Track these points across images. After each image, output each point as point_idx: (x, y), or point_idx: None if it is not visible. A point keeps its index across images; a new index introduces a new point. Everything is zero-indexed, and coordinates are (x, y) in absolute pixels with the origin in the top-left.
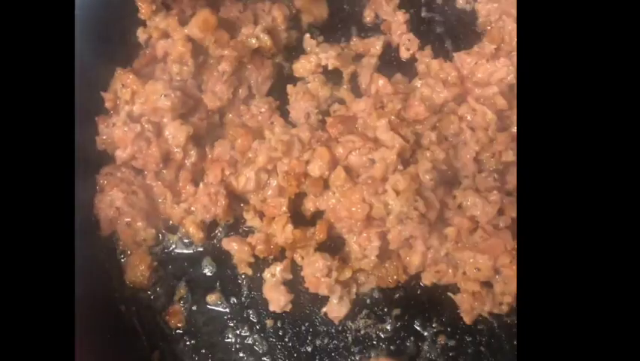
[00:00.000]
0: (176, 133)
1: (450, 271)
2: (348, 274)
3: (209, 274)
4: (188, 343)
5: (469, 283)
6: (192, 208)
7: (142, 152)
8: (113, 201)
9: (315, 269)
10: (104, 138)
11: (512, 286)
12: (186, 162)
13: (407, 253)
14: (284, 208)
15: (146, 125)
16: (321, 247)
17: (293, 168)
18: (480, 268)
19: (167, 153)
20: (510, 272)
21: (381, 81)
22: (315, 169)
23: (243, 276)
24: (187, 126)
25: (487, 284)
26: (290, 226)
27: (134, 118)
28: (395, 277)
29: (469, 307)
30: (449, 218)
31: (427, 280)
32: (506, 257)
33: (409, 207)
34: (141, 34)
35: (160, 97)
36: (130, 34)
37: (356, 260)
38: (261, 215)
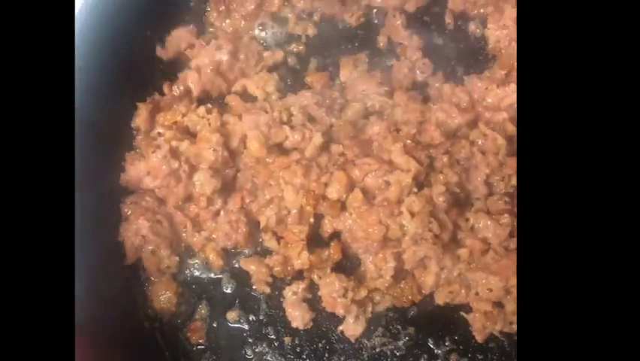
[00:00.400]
0: (204, 183)
1: (462, 291)
2: (363, 293)
3: (228, 291)
4: (209, 359)
5: (481, 303)
6: (213, 236)
7: (168, 187)
8: (138, 230)
9: (332, 290)
10: (129, 177)
11: None
12: (210, 208)
13: (421, 273)
14: (303, 236)
15: (183, 166)
16: (338, 267)
17: (313, 190)
18: (492, 288)
19: (190, 194)
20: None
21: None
22: (333, 192)
23: (262, 294)
24: (216, 180)
25: (499, 304)
26: (305, 253)
27: (176, 155)
28: (410, 296)
29: (481, 326)
30: (462, 239)
31: (440, 299)
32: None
33: (423, 229)
34: None
35: (209, 149)
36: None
37: (371, 280)
38: (279, 238)
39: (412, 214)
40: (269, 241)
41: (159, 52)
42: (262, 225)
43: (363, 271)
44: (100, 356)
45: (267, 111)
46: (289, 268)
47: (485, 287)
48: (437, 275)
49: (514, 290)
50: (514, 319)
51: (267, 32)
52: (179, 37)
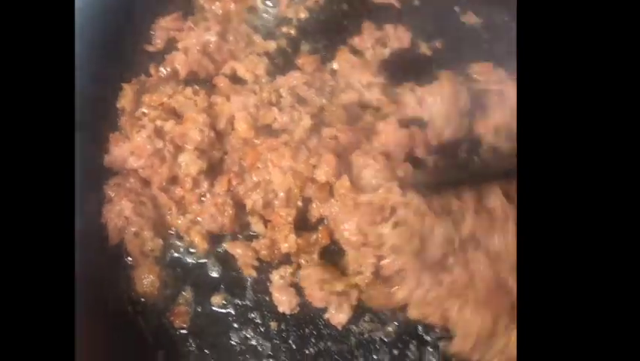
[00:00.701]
0: (189, 163)
1: (438, 313)
2: (340, 287)
3: (214, 275)
4: (192, 343)
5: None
6: (198, 219)
7: (152, 167)
8: (121, 211)
9: (310, 282)
10: (113, 158)
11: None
12: (195, 190)
13: (397, 283)
14: (290, 219)
15: (168, 146)
16: (326, 251)
17: (300, 171)
18: (478, 327)
19: (175, 176)
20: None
21: None
22: (322, 175)
23: (248, 278)
24: (202, 161)
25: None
26: (293, 236)
27: (161, 134)
28: (384, 301)
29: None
30: (451, 266)
31: (412, 314)
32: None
33: (402, 242)
34: None
35: (195, 129)
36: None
37: (353, 274)
38: (266, 221)
39: (396, 225)
40: (256, 225)
41: (148, 47)
42: (248, 208)
43: (347, 262)
44: (80, 339)
45: (255, 92)
46: (276, 251)
47: (470, 324)
48: (410, 291)
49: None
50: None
51: (258, 15)
52: (166, 27)
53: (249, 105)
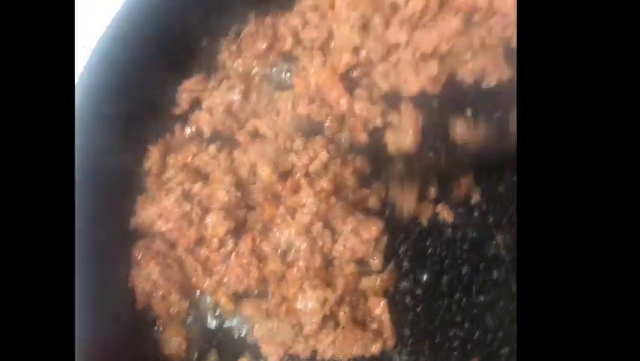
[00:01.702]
0: (216, 224)
1: None
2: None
3: (240, 337)
4: None
5: None
6: (224, 280)
7: (180, 230)
8: (149, 275)
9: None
10: (140, 221)
11: None
12: (221, 250)
13: None
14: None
15: (196, 208)
16: None
17: None
18: None
19: (202, 237)
20: None
21: None
22: None
23: None
24: (229, 221)
25: None
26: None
27: (188, 197)
28: None
29: None
30: None
31: None
32: None
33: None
34: None
35: (222, 190)
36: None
37: None
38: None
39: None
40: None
41: (175, 110)
42: (269, 268)
43: None
44: None
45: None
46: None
47: None
48: None
49: None
50: None
51: (278, 72)
52: (190, 88)
53: (268, 152)
